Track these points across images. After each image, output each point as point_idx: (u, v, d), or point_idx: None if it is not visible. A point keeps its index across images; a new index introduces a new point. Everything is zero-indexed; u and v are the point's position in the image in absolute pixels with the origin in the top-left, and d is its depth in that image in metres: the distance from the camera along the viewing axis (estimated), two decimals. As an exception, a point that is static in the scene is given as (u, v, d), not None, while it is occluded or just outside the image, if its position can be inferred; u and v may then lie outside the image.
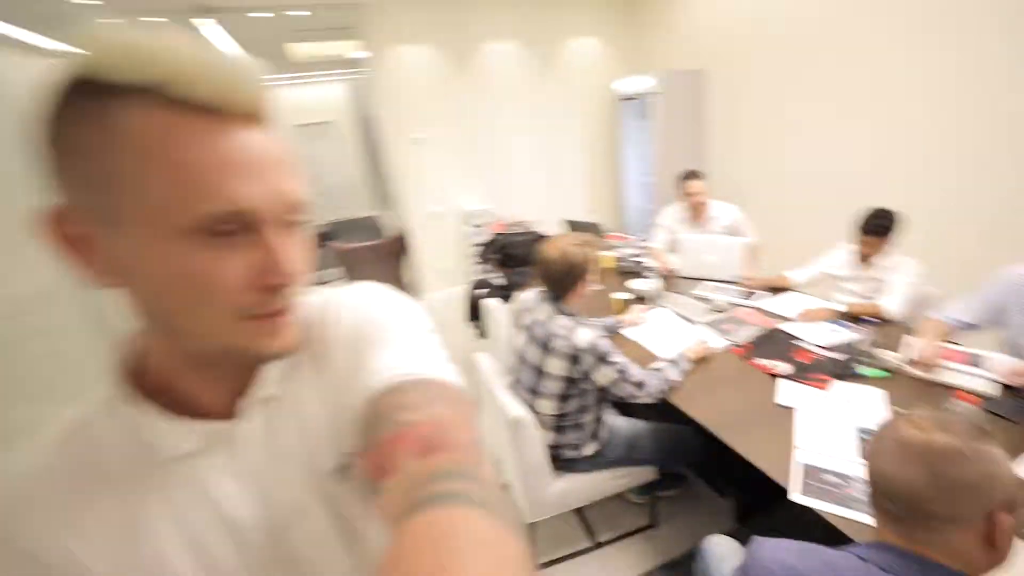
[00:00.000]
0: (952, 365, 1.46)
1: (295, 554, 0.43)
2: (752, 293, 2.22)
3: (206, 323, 0.36)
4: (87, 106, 0.31)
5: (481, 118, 4.22)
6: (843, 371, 1.54)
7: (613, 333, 1.95)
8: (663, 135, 3.88)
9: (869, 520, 0.92)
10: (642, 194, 4.34)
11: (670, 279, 2.51)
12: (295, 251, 0.37)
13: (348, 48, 4.45)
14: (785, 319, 1.94)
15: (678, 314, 2.07)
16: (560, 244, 1.51)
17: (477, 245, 3.66)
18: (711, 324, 1.94)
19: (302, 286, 0.39)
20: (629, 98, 4.14)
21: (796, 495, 1.11)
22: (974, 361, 1.46)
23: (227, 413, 0.41)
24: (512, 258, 2.96)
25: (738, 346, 1.76)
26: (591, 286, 1.55)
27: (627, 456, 1.61)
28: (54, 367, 1.28)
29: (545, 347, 1.49)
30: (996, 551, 0.65)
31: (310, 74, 7.15)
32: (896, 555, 0.65)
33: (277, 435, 0.43)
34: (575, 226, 3.02)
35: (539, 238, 3.07)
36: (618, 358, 1.44)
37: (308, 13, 3.71)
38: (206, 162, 0.32)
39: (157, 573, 0.38)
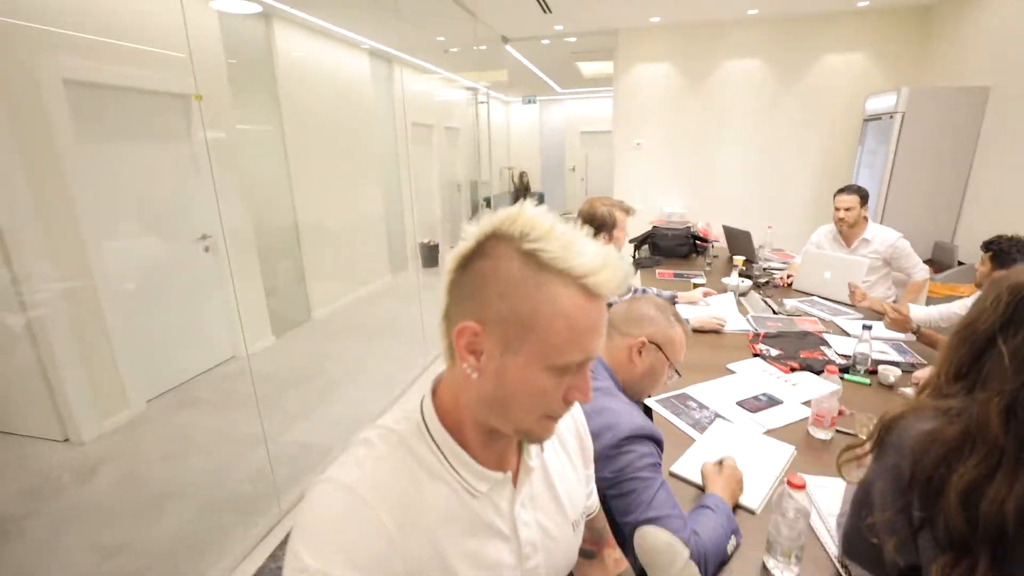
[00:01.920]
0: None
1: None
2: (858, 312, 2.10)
3: (528, 419, 0.50)
4: (531, 270, 0.45)
5: (705, 130, 4.49)
6: (821, 368, 1.57)
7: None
8: (908, 157, 3.38)
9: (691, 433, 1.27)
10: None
11: (782, 288, 2.50)
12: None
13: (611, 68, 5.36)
14: (845, 333, 1.88)
15: (738, 304, 2.20)
16: (593, 200, 1.99)
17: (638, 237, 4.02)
18: (756, 319, 2.04)
19: None
20: (875, 117, 3.70)
21: (653, 399, 1.44)
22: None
23: (498, 467, 0.55)
24: (657, 248, 3.33)
25: (755, 333, 1.88)
26: (618, 243, 1.98)
27: None
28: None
29: None
30: (632, 363, 1.04)
31: (595, 90, 8.40)
32: None
33: (535, 491, 0.60)
34: (728, 231, 3.15)
35: (690, 234, 3.34)
36: None
37: (575, 39, 4.77)
38: (589, 330, 0.47)
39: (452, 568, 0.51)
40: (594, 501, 0.76)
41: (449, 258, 0.50)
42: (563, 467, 0.65)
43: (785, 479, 0.89)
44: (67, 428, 2.47)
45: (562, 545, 0.62)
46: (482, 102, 6.89)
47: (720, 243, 3.36)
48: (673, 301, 2.24)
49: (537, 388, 0.47)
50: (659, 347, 1.05)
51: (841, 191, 2.48)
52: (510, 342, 0.46)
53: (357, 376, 3.31)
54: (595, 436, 0.91)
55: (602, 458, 0.89)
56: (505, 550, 0.55)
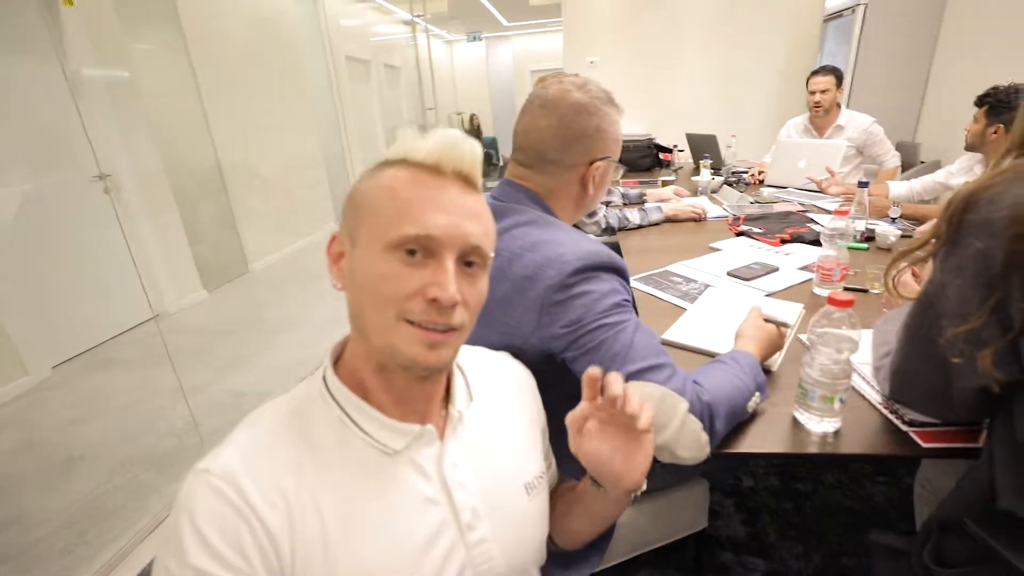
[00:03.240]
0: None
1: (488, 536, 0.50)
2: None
3: (379, 319, 0.43)
4: (373, 169, 0.46)
5: (661, 41, 4.22)
6: (814, 238, 1.40)
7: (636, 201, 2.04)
8: (869, 55, 3.24)
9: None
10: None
11: (753, 185, 2.34)
12: (464, 285, 0.44)
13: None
14: (825, 211, 1.73)
15: (712, 201, 2.02)
16: (544, 79, 1.73)
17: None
18: (733, 207, 1.87)
19: (466, 322, 0.45)
20: (835, 15, 3.53)
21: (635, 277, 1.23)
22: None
23: (418, 420, 0.48)
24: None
25: (734, 218, 1.70)
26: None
27: None
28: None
29: None
30: (586, 193, 0.81)
31: (544, 22, 7.92)
32: (507, 185, 0.83)
33: (470, 446, 0.51)
34: (692, 138, 2.96)
35: (652, 144, 3.14)
36: None
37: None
38: (418, 199, 0.43)
39: (386, 535, 0.44)
40: (553, 465, 0.65)
41: None
42: (505, 421, 0.56)
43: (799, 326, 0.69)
44: (-50, 401, 2.10)
45: (515, 513, 0.52)
46: (421, 33, 6.32)
47: (685, 153, 3.18)
48: (642, 201, 2.03)
49: (377, 274, 0.43)
50: (608, 158, 0.80)
51: (815, 73, 2.30)
52: (352, 233, 0.45)
53: (299, 323, 2.98)
54: (531, 280, 0.66)
55: (548, 308, 0.65)
56: (436, 518, 0.47)
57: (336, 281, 0.46)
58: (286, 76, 4.40)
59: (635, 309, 0.72)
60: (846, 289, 1.09)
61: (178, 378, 1.98)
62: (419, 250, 0.42)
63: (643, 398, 0.59)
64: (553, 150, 0.78)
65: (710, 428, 0.62)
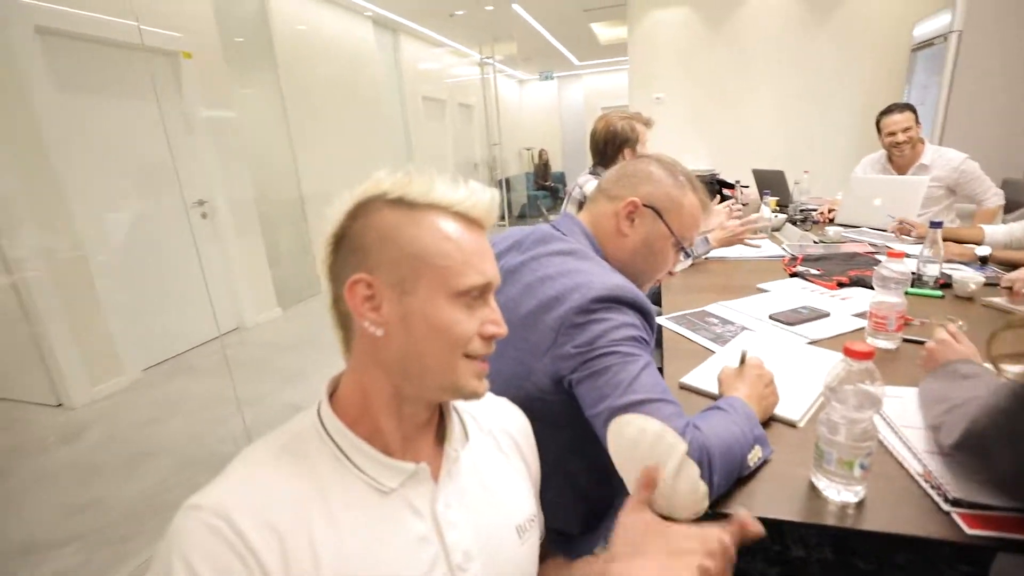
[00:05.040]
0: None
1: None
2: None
3: (446, 360, 0.46)
4: (403, 211, 0.46)
5: (730, 76, 4.12)
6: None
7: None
8: (967, 84, 2.96)
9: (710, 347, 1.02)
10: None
11: (822, 224, 2.18)
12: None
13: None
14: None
15: (772, 240, 1.90)
16: (607, 116, 1.74)
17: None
18: (793, 246, 1.74)
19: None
20: (925, 43, 3.27)
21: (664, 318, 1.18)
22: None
23: (414, 459, 0.48)
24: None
25: (791, 257, 1.59)
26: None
27: None
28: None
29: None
30: (620, 232, 0.80)
31: (614, 60, 8.03)
32: (567, 217, 0.84)
33: (463, 486, 0.51)
34: (758, 174, 2.82)
35: (717, 180, 3.03)
36: None
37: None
38: (476, 251, 0.46)
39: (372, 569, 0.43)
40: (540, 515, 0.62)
41: (320, 246, 0.48)
42: (499, 463, 0.56)
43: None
44: (59, 393, 2.42)
45: (506, 554, 0.52)
46: (491, 74, 6.64)
47: (750, 189, 3.03)
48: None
49: (446, 322, 0.45)
50: (657, 212, 0.78)
51: (887, 112, 2.13)
52: (404, 282, 0.45)
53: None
54: (557, 301, 0.67)
55: (567, 328, 0.65)
56: (427, 557, 0.46)
57: (375, 327, 0.45)
58: (366, 113, 4.78)
59: (658, 350, 0.70)
60: (905, 341, 0.97)
61: (234, 388, 2.14)
62: (479, 294, 0.47)
63: (639, 432, 0.58)
64: (607, 181, 0.84)
65: (708, 478, 0.57)
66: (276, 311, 3.69)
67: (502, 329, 0.48)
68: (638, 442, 0.58)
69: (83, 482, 1.85)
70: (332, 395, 0.50)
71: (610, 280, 0.68)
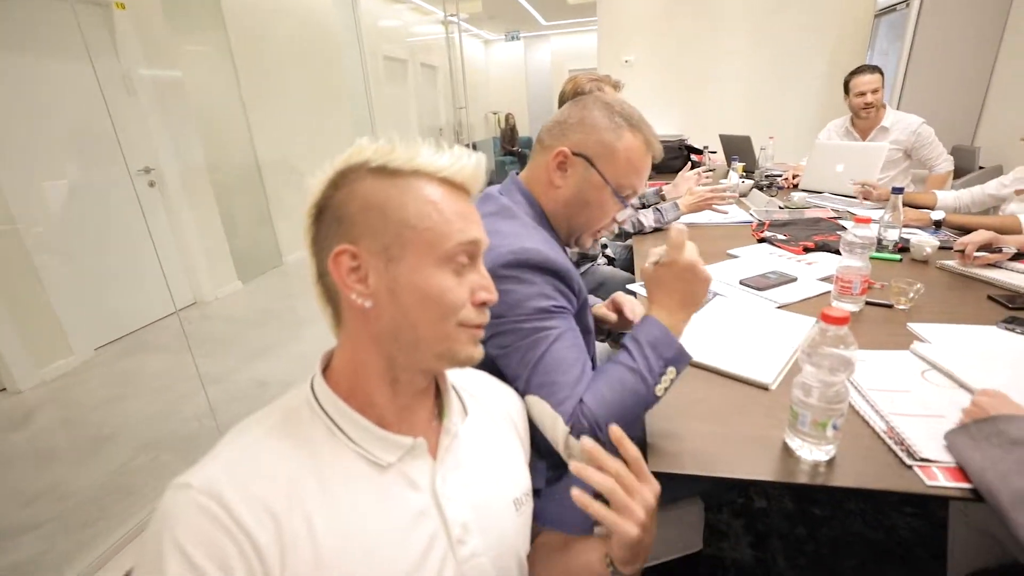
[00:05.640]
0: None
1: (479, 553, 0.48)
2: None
3: (439, 328, 0.45)
4: (386, 179, 0.44)
5: (699, 41, 4.08)
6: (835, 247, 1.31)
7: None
8: (925, 53, 3.03)
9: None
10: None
11: (786, 189, 2.23)
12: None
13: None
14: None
15: (739, 206, 1.93)
16: (576, 78, 1.69)
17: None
18: (760, 212, 1.77)
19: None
20: (888, 9, 3.31)
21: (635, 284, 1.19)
22: None
23: (411, 433, 0.48)
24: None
25: (758, 223, 1.62)
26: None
27: None
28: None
29: None
30: (551, 183, 0.75)
31: (582, 21, 7.83)
32: (509, 176, 0.81)
33: (461, 460, 0.51)
34: (725, 139, 2.84)
35: (685, 146, 3.04)
36: None
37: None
38: (459, 213, 0.45)
39: (368, 547, 0.42)
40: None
41: (303, 216, 0.47)
42: (495, 438, 0.56)
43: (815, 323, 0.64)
44: (2, 377, 2.26)
45: (504, 527, 0.52)
46: (456, 32, 6.36)
47: (719, 155, 3.06)
48: (658, 200, 1.96)
49: (436, 287, 0.44)
50: (589, 160, 0.72)
51: (858, 72, 2.15)
52: (390, 249, 0.44)
53: (327, 316, 3.06)
54: None
55: None
56: (426, 532, 0.46)
57: (363, 299, 0.44)
58: (324, 76, 4.52)
59: (583, 313, 0.71)
60: (868, 304, 1.01)
61: (196, 366, 2.05)
62: (467, 258, 0.46)
63: (540, 413, 0.63)
64: (543, 130, 0.78)
65: (600, 436, 0.59)
66: (236, 284, 3.53)
67: (493, 295, 0.47)
68: (542, 422, 0.63)
69: (37, 467, 1.76)
70: (325, 370, 0.49)
71: (518, 243, 0.65)
